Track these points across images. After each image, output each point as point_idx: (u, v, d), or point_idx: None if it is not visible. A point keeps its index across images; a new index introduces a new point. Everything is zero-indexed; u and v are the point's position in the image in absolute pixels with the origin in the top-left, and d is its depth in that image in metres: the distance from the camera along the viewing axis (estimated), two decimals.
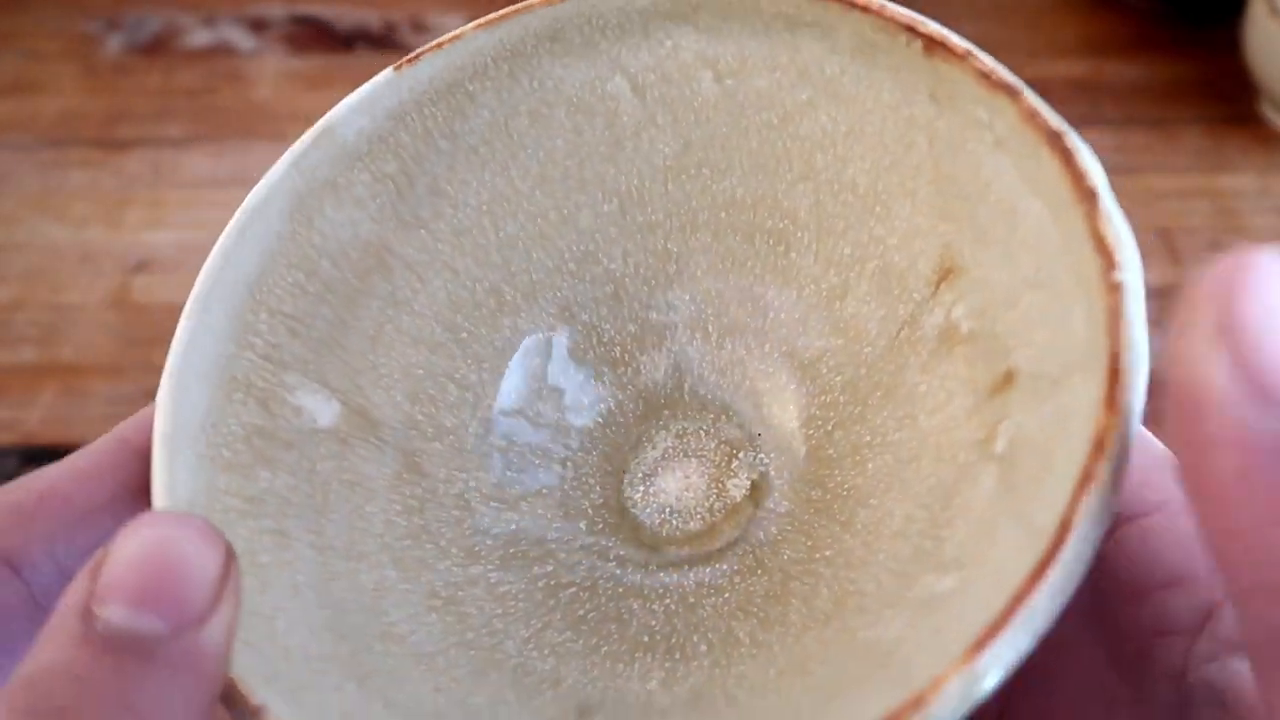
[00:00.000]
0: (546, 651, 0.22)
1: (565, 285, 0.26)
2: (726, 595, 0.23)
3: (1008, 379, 0.21)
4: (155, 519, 0.17)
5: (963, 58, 0.21)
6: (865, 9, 0.22)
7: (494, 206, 0.26)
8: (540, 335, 0.26)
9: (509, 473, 0.25)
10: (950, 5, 0.62)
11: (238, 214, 0.23)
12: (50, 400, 0.44)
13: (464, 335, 0.25)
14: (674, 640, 0.22)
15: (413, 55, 0.24)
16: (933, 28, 0.22)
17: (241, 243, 0.23)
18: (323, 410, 0.23)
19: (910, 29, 0.22)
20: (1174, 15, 0.61)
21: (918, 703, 0.15)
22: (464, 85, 0.25)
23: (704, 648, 0.22)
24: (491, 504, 0.24)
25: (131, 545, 0.17)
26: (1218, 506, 0.15)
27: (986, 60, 0.21)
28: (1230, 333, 0.14)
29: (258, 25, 0.59)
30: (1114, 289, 0.18)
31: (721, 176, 0.26)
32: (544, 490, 0.25)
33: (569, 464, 0.25)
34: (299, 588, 0.21)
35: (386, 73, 0.24)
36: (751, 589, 0.23)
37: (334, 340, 0.24)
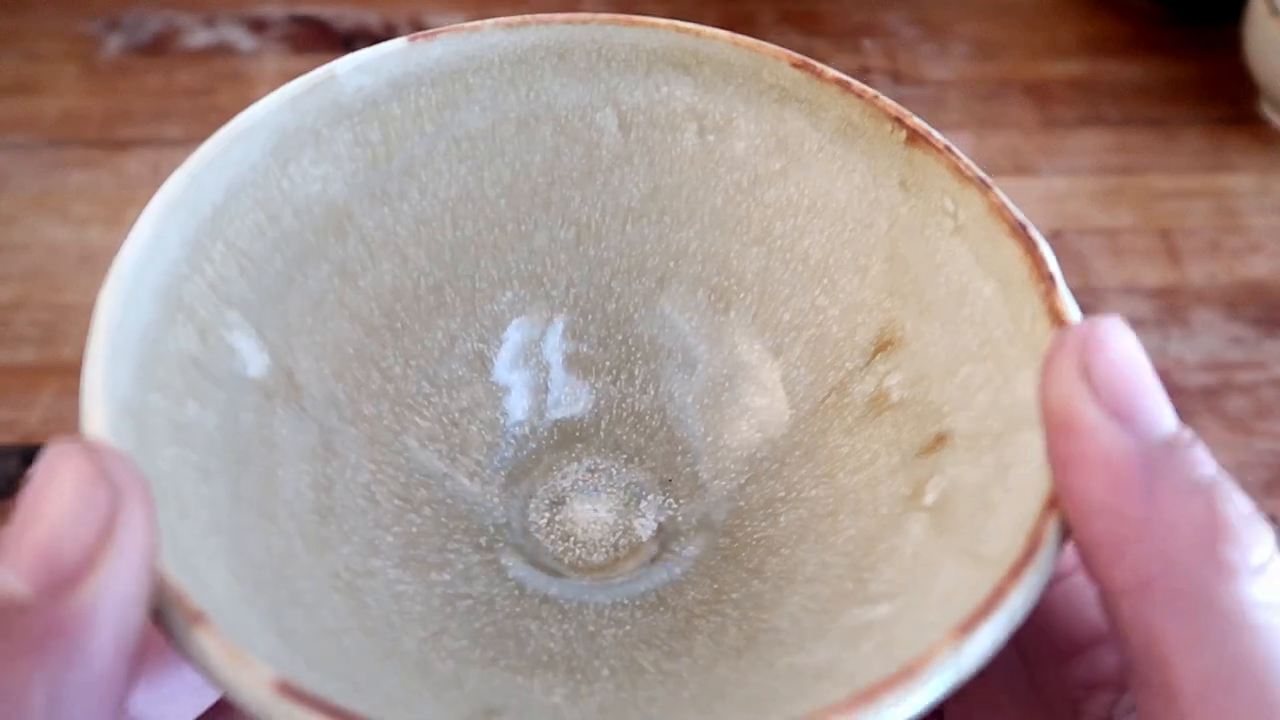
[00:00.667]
0: (445, 655, 0.21)
1: (505, 301, 0.26)
2: (628, 628, 0.23)
3: (939, 440, 0.23)
4: (49, 457, 0.15)
5: (941, 151, 0.23)
6: (860, 95, 0.24)
7: (459, 204, 0.26)
8: (471, 345, 0.26)
9: (417, 475, 0.24)
10: (950, 5, 0.62)
11: (224, 131, 0.22)
12: (50, 400, 0.44)
13: (398, 325, 0.25)
14: (574, 663, 0.22)
15: (430, 32, 0.24)
16: (918, 121, 0.23)
17: (219, 162, 0.22)
18: (254, 359, 0.22)
19: (898, 119, 0.24)
20: (1174, 15, 0.61)
21: (910, 672, 0.16)
22: (466, 76, 0.25)
23: (606, 672, 0.22)
24: (395, 501, 0.24)
25: (26, 493, 0.15)
26: (1090, 516, 0.17)
27: (963, 156, 0.23)
28: (1091, 371, 0.17)
29: (258, 25, 0.59)
30: None
31: (681, 227, 0.26)
32: (449, 500, 0.24)
33: (477, 479, 0.25)
34: (219, 528, 0.20)
35: (400, 42, 0.24)
36: (654, 624, 0.23)
37: (278, 292, 0.23)
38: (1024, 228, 0.22)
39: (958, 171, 0.23)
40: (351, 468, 0.23)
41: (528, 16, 0.25)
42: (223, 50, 0.57)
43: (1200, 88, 0.58)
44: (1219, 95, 0.58)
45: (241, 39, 0.58)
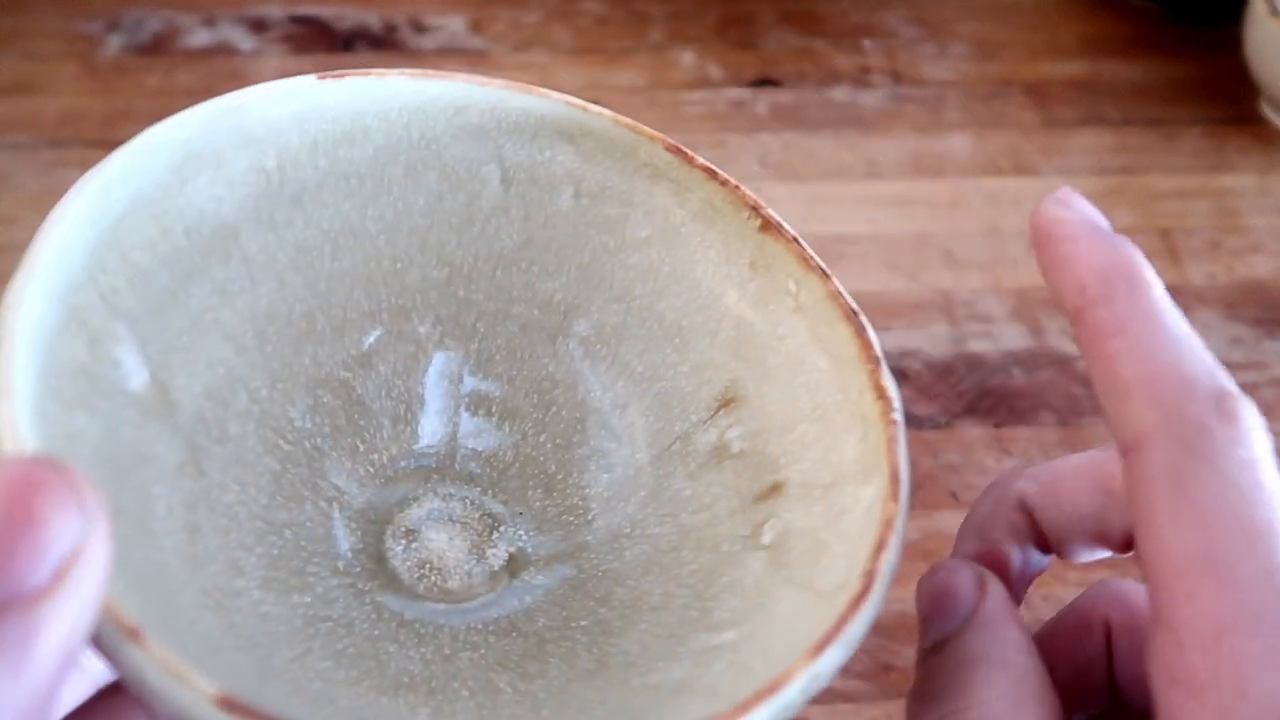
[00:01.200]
0: (312, 675, 0.22)
1: (373, 333, 0.28)
2: (482, 651, 0.24)
3: (775, 489, 0.25)
4: (16, 464, 0.15)
5: (790, 241, 0.26)
6: (724, 183, 0.27)
7: (340, 237, 0.27)
8: (336, 373, 0.27)
9: (278, 498, 0.25)
10: (950, 5, 0.62)
11: (136, 143, 0.23)
12: None
13: (269, 349, 0.26)
14: (434, 684, 0.24)
15: (340, 72, 0.26)
16: (771, 213, 0.27)
17: (128, 173, 0.23)
18: (135, 373, 0.23)
19: (755, 208, 0.27)
20: (1174, 15, 0.61)
21: (775, 687, 0.19)
22: (366, 118, 0.26)
23: (465, 693, 0.23)
24: (258, 523, 0.24)
25: None
26: (1085, 309, 0.21)
27: (808, 248, 0.26)
28: (1068, 203, 0.22)
29: (258, 25, 0.59)
30: (892, 424, 0.24)
31: (549, 278, 0.29)
32: (308, 523, 0.25)
33: (335, 504, 0.26)
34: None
35: (310, 78, 0.26)
36: (508, 648, 0.25)
37: (161, 308, 0.24)
38: (856, 314, 0.25)
39: (803, 260, 0.26)
40: (217, 487, 0.24)
41: (433, 71, 0.27)
42: (222, 50, 0.57)
43: (1200, 88, 0.58)
44: (1219, 95, 0.58)
45: (241, 39, 0.58)
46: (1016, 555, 0.25)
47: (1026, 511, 0.25)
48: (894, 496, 0.22)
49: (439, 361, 0.28)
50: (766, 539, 0.25)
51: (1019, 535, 0.25)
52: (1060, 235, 0.22)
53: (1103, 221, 0.22)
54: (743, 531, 0.26)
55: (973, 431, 0.44)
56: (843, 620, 0.20)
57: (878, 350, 0.25)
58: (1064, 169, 0.54)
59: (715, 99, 0.56)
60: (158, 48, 0.58)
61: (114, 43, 0.58)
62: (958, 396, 0.46)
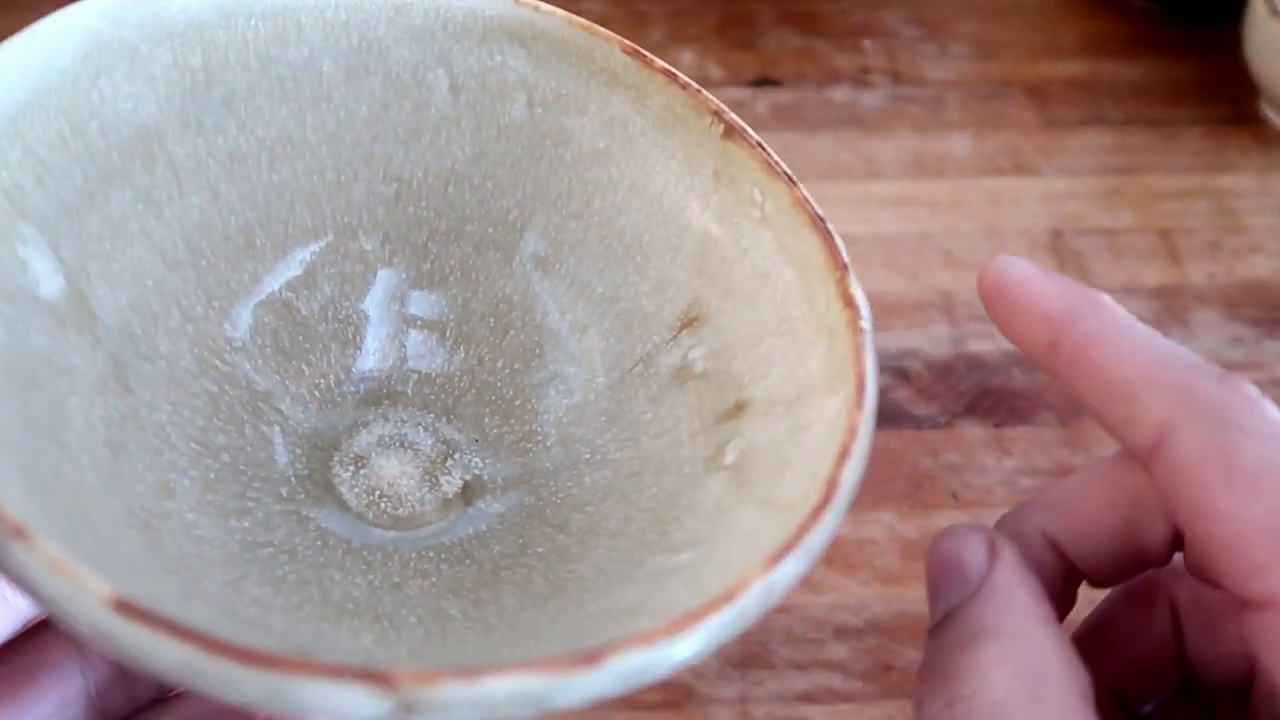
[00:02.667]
0: (248, 601, 0.21)
1: (316, 250, 0.26)
2: (434, 579, 0.24)
3: (739, 408, 0.24)
4: None
5: (754, 147, 0.25)
6: (684, 86, 0.26)
7: (278, 146, 0.25)
8: (279, 293, 0.26)
9: (215, 420, 0.24)
10: (950, 5, 0.62)
11: (37, 28, 0.21)
12: None
13: (203, 264, 0.25)
14: (380, 611, 0.22)
15: None
16: (735, 118, 0.25)
17: (27, 58, 0.21)
18: (48, 279, 0.21)
19: (717, 114, 0.25)
20: (1174, 15, 0.61)
21: (729, 595, 0.18)
22: (298, 14, 0.25)
23: (414, 620, 0.22)
24: (193, 445, 0.23)
25: None
26: (1058, 327, 0.22)
27: (773, 154, 0.25)
28: (1010, 262, 0.23)
29: None
30: (859, 332, 0.22)
31: (502, 194, 0.27)
32: (248, 447, 0.24)
33: (278, 427, 0.25)
34: (10, 449, 0.19)
35: None
36: (460, 575, 0.24)
37: (77, 211, 0.22)
38: (822, 220, 0.24)
39: (768, 166, 0.25)
40: (146, 406, 0.23)
41: None
42: None
43: (1200, 88, 0.58)
44: (1219, 95, 0.58)
45: None
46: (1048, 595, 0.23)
47: (1053, 546, 0.23)
48: (859, 405, 0.21)
49: (387, 281, 0.27)
50: (729, 460, 0.24)
51: (1047, 571, 0.23)
52: (1011, 284, 0.22)
53: (1042, 268, 0.23)
54: (704, 453, 0.25)
55: (973, 431, 0.44)
56: (802, 530, 0.19)
57: (845, 257, 0.24)
58: (1064, 169, 0.54)
59: (715, 99, 0.56)
60: None
61: None
62: (958, 396, 0.46)
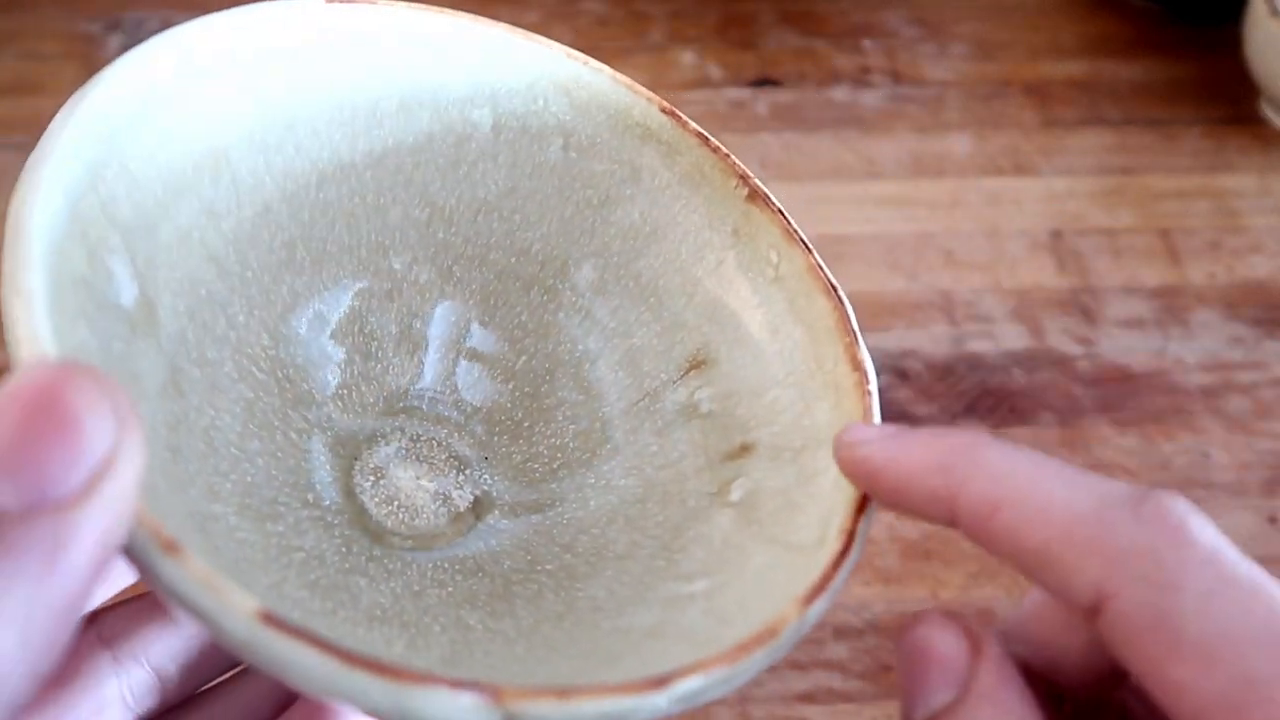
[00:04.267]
0: (290, 604, 0.22)
1: (351, 267, 0.28)
2: (450, 589, 0.25)
3: (744, 449, 0.26)
4: (47, 369, 0.15)
5: (775, 213, 0.27)
6: (715, 150, 0.27)
7: (327, 167, 0.27)
8: (312, 306, 0.27)
9: (251, 426, 0.25)
10: (950, 5, 0.62)
11: (142, 50, 0.22)
12: None
13: (249, 274, 0.26)
14: (406, 619, 0.23)
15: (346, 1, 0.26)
16: (759, 183, 0.27)
17: (130, 76, 0.22)
18: (126, 287, 0.22)
19: (743, 178, 0.27)
20: (1174, 15, 0.61)
21: (773, 631, 0.20)
22: (364, 49, 0.26)
23: (438, 629, 0.23)
24: (231, 449, 0.24)
25: (12, 398, 0.14)
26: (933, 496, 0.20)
27: (792, 221, 0.26)
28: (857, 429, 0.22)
29: None
30: (867, 394, 0.24)
31: (529, 228, 0.29)
32: (279, 453, 0.25)
33: (305, 435, 0.26)
34: None
35: (318, 2, 0.25)
36: (475, 587, 0.25)
37: (153, 222, 0.23)
38: (835, 289, 0.25)
39: (787, 232, 0.26)
40: (195, 410, 0.24)
41: (434, 7, 0.27)
42: None
43: (1200, 88, 0.58)
44: (1219, 95, 0.58)
45: None
46: None
47: (1030, 672, 0.21)
48: None
49: (415, 302, 0.28)
50: (735, 496, 0.25)
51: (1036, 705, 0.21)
52: (877, 464, 0.21)
53: (897, 427, 0.21)
54: (709, 489, 0.26)
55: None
56: (827, 576, 0.21)
57: (854, 325, 0.25)
58: (1064, 169, 0.54)
59: (715, 99, 0.56)
60: None
61: (114, 43, 0.58)
62: (958, 396, 0.46)
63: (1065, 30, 0.61)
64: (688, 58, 0.58)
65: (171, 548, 0.17)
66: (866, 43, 0.60)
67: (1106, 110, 0.57)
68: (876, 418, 0.24)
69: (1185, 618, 0.17)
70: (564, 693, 0.18)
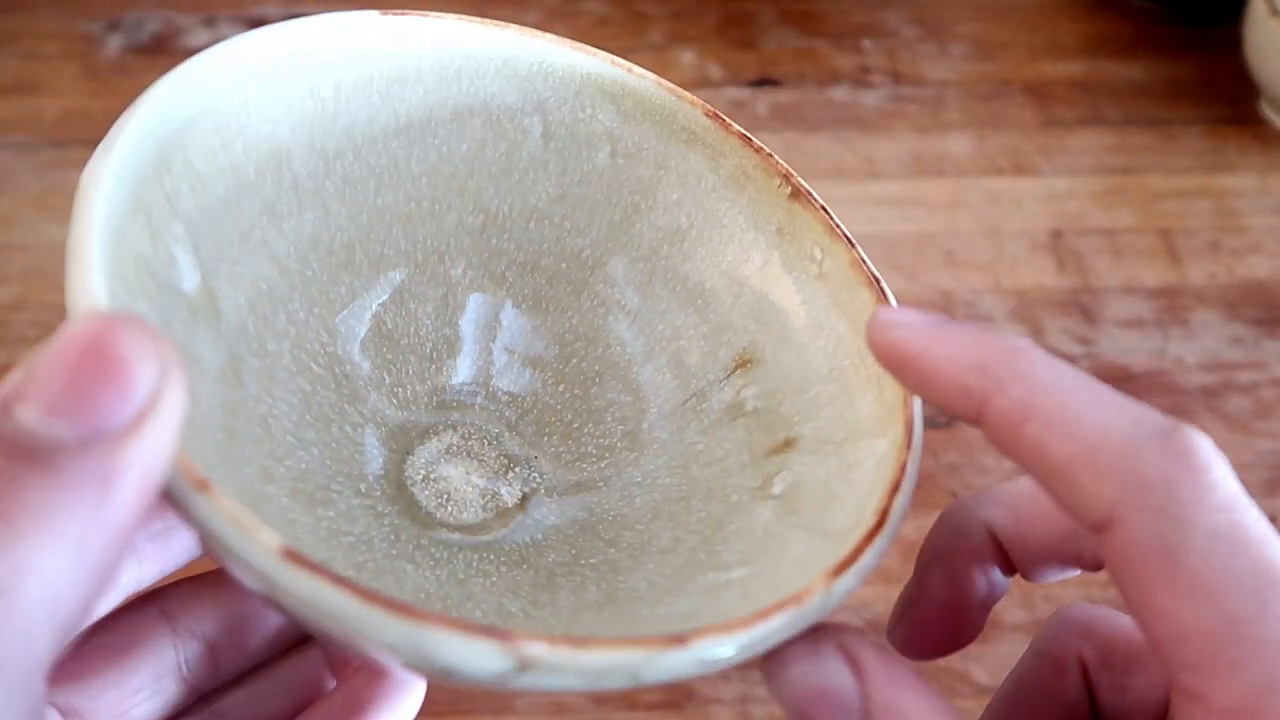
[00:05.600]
0: None
1: (407, 270, 0.29)
2: (494, 579, 0.25)
3: (787, 444, 0.26)
4: (98, 316, 0.16)
5: (818, 209, 0.27)
6: (758, 150, 0.28)
7: (385, 174, 0.28)
8: (370, 305, 0.28)
9: (307, 417, 0.26)
10: (950, 5, 0.62)
11: (206, 56, 0.24)
12: None
13: (309, 274, 0.27)
14: (449, 603, 0.24)
15: (401, 10, 0.27)
16: (800, 181, 0.27)
17: (195, 78, 0.23)
18: (189, 274, 0.23)
19: (785, 176, 0.27)
20: (1174, 15, 0.61)
21: (797, 599, 0.20)
22: (419, 60, 0.27)
23: (479, 614, 0.24)
24: (288, 437, 0.25)
25: (66, 343, 0.16)
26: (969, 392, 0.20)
27: (835, 216, 0.27)
28: (899, 315, 0.21)
29: (258, 25, 0.59)
30: None
31: (579, 234, 0.29)
32: (333, 444, 0.26)
33: (360, 429, 0.27)
34: None
35: (373, 13, 0.26)
36: (518, 578, 0.26)
37: (217, 216, 0.24)
38: (878, 280, 0.26)
39: (830, 228, 0.27)
40: (253, 398, 0.25)
41: (488, 21, 0.27)
42: None
43: (1200, 88, 0.58)
44: (1219, 95, 0.58)
45: None
46: (981, 582, 0.24)
47: (992, 537, 0.24)
48: (908, 445, 0.23)
49: (468, 305, 0.29)
50: (777, 490, 0.26)
51: (983, 561, 0.24)
52: (912, 350, 0.20)
53: (939, 316, 0.21)
54: (752, 484, 0.26)
55: (973, 431, 0.44)
56: (858, 550, 0.21)
57: None
58: (1064, 169, 0.54)
59: (715, 99, 0.56)
60: (158, 48, 0.58)
61: (114, 43, 0.58)
62: None
63: (1065, 30, 0.61)
64: (688, 58, 0.58)
65: (203, 486, 0.18)
66: (866, 43, 0.60)
67: (1106, 110, 0.57)
68: (916, 403, 0.23)
69: (1188, 553, 0.17)
70: (579, 641, 0.18)
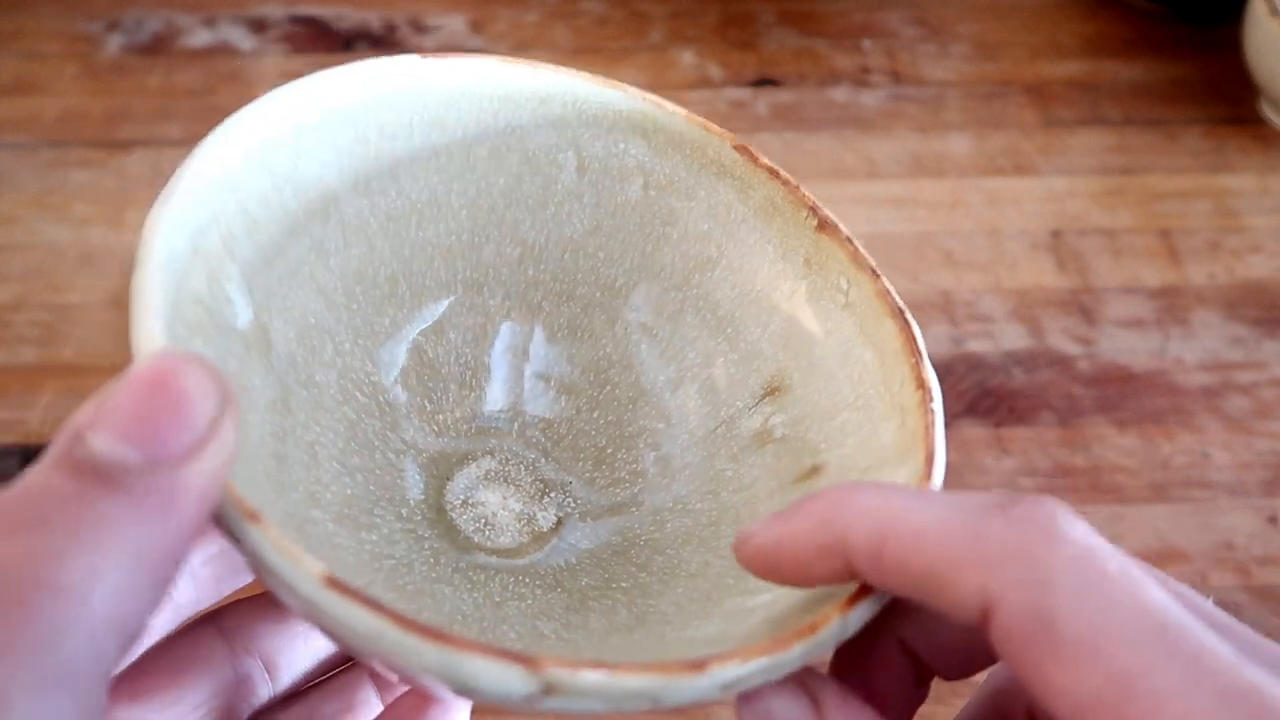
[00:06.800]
0: None
1: (447, 301, 0.30)
2: (529, 602, 0.26)
3: (814, 470, 0.27)
4: (164, 354, 0.18)
5: (844, 241, 0.28)
6: (785, 182, 0.29)
7: (426, 209, 0.29)
8: (412, 336, 0.29)
9: (353, 444, 0.27)
10: (950, 5, 0.62)
11: (258, 106, 0.25)
12: (50, 400, 0.44)
13: (355, 307, 0.28)
14: (484, 625, 0.25)
15: (441, 52, 0.28)
16: (828, 213, 0.28)
17: (249, 126, 0.25)
18: (243, 312, 0.25)
19: (813, 209, 0.28)
20: (1174, 15, 0.61)
21: (813, 627, 0.20)
22: (458, 100, 0.28)
23: (513, 635, 0.25)
24: (334, 464, 0.26)
25: (135, 378, 0.17)
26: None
27: (861, 247, 0.28)
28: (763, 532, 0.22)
29: (257, 25, 0.59)
30: (929, 412, 0.24)
31: (612, 264, 0.30)
32: (377, 470, 0.27)
33: (402, 456, 0.28)
34: None
35: (414, 58, 0.27)
36: (552, 601, 0.26)
37: (268, 256, 0.26)
38: (902, 312, 0.27)
39: (855, 259, 0.28)
40: (301, 425, 0.26)
41: (521, 61, 0.29)
42: (223, 50, 0.57)
43: (1200, 88, 0.58)
44: (1219, 95, 0.58)
45: (241, 39, 0.58)
46: (898, 697, 0.23)
47: (907, 652, 0.23)
48: (927, 476, 0.23)
49: (506, 334, 0.30)
50: None
51: (905, 679, 0.23)
52: (769, 547, 0.21)
53: (773, 514, 0.21)
54: (780, 510, 0.27)
55: (972, 431, 0.44)
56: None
57: (921, 345, 0.26)
58: (1064, 169, 0.54)
59: (715, 99, 0.56)
60: (158, 48, 0.58)
61: (114, 43, 0.58)
62: (958, 396, 0.46)
63: (1065, 30, 0.61)
64: (688, 58, 0.58)
65: (253, 517, 0.19)
66: (866, 43, 0.60)
67: (1106, 110, 0.57)
68: (939, 434, 0.24)
69: (1060, 617, 0.17)
70: (603, 666, 0.19)
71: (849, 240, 0.28)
